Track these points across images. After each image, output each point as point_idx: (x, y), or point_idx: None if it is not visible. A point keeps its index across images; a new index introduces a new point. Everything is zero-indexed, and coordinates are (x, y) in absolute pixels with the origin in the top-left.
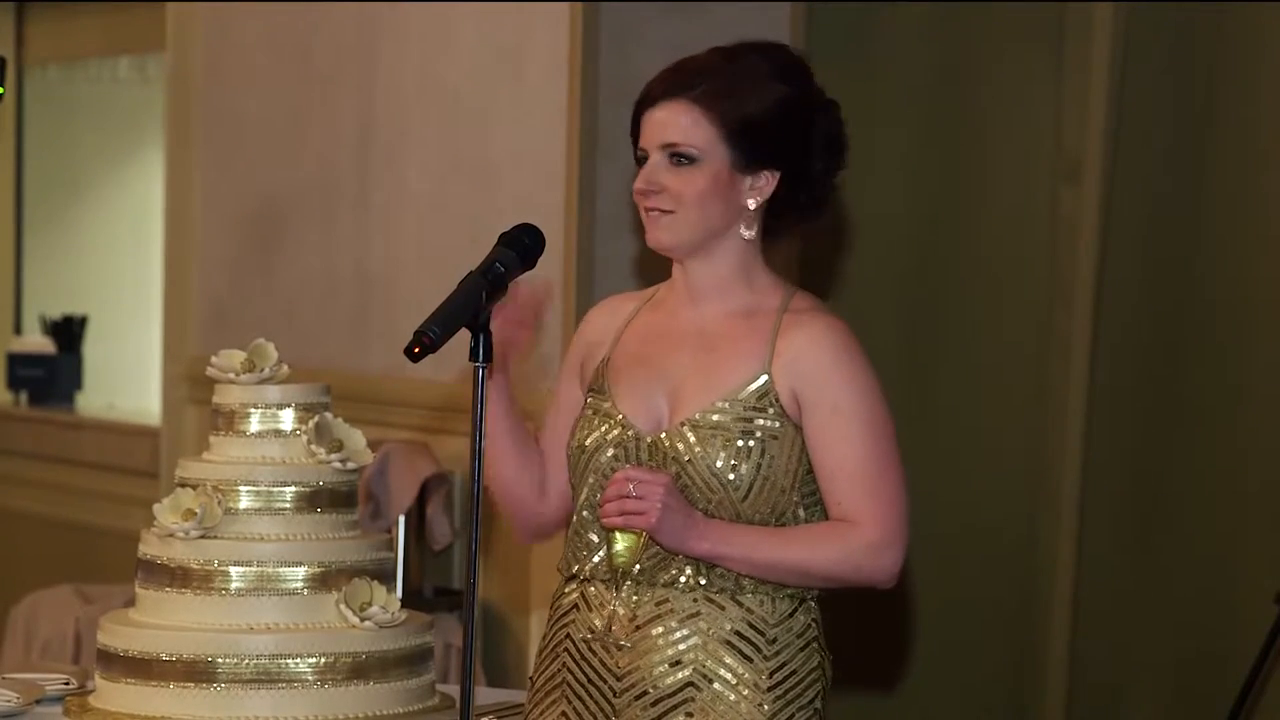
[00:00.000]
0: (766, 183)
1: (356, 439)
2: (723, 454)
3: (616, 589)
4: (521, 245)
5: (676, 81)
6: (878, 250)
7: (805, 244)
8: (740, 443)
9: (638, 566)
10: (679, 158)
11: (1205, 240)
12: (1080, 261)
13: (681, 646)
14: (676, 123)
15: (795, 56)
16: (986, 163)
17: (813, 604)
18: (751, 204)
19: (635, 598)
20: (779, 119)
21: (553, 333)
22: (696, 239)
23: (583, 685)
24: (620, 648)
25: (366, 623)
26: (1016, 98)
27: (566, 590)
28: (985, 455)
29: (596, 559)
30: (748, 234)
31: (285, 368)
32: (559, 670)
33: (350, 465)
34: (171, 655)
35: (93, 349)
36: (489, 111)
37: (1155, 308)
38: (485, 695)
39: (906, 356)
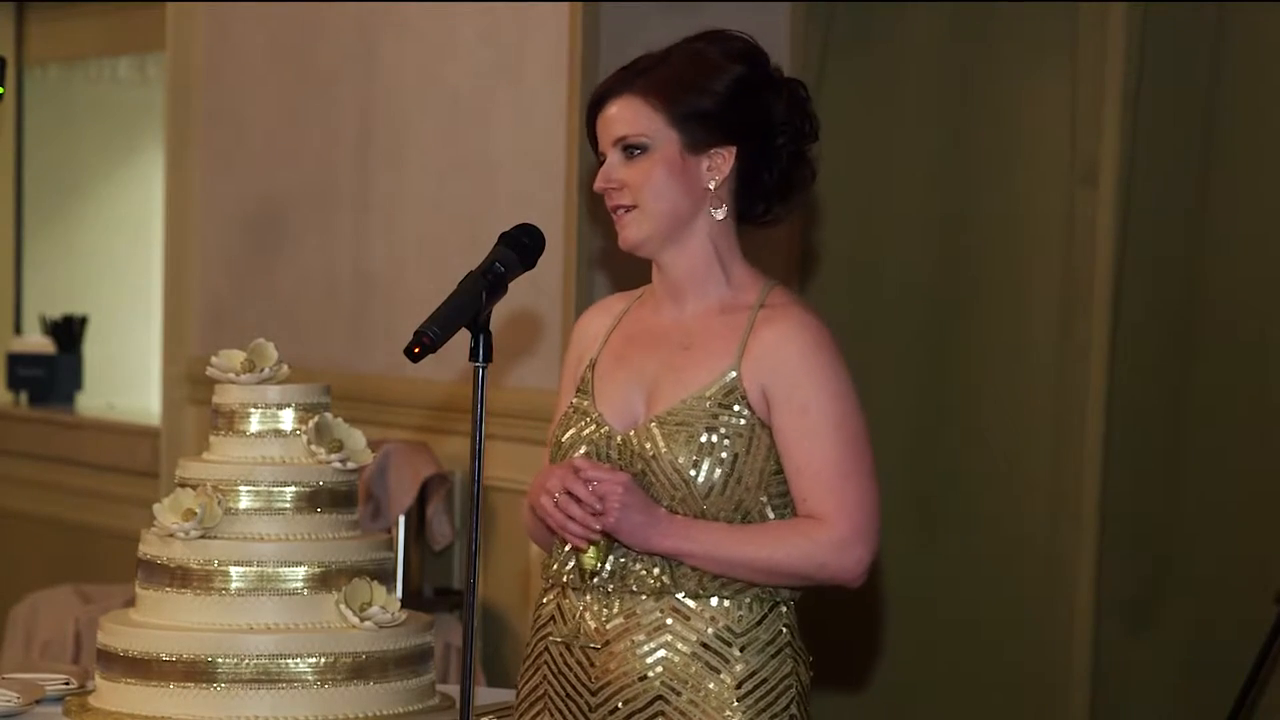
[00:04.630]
0: (723, 161)
1: (356, 439)
2: (685, 450)
3: (586, 596)
4: (521, 245)
5: (621, 79)
6: (893, 253)
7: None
8: (703, 438)
9: (608, 567)
10: (631, 149)
11: (1222, 242)
12: (1097, 263)
13: (649, 660)
14: (623, 116)
15: (746, 43)
16: (1002, 165)
17: (785, 608)
18: (711, 184)
19: (605, 610)
20: (725, 97)
21: (553, 333)
22: (663, 229)
23: (561, 699)
24: (592, 661)
25: (366, 623)
26: (1031, 100)
27: (545, 600)
28: (1004, 458)
29: (570, 565)
30: (717, 215)
31: (285, 368)
32: (540, 682)
33: (350, 465)
34: (171, 655)
35: (93, 349)
36: (489, 111)
37: (1173, 309)
38: (485, 695)
39: (924, 359)
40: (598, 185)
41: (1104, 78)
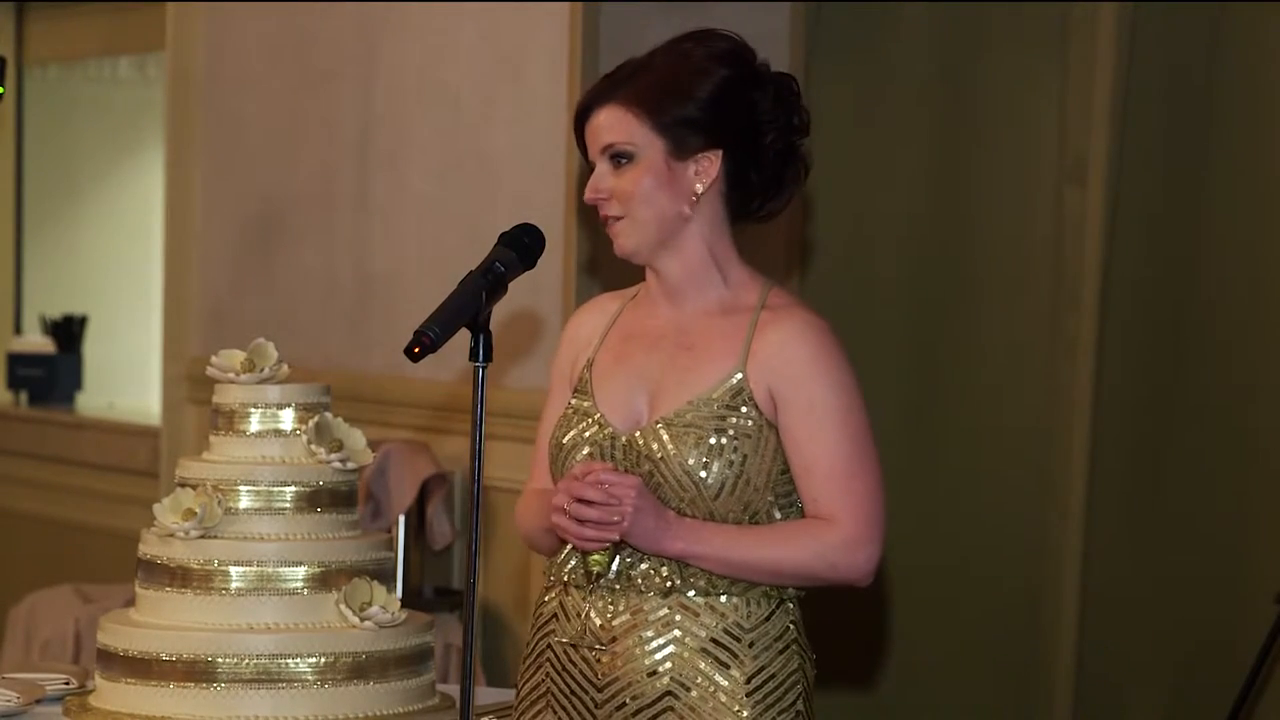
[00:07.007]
0: (710, 164)
1: (356, 439)
2: (695, 452)
3: (591, 594)
4: (521, 245)
5: (606, 87)
6: (884, 251)
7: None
8: (713, 440)
9: (614, 568)
10: (618, 157)
11: (1210, 239)
12: (1086, 261)
13: (658, 656)
14: (608, 125)
15: (732, 42)
16: (991, 163)
17: (791, 605)
18: (700, 187)
19: (611, 607)
20: (709, 102)
21: (553, 333)
22: (654, 236)
23: (565, 696)
24: (598, 659)
25: (366, 623)
26: (1021, 98)
27: (547, 599)
28: (993, 455)
29: (572, 563)
30: (685, 210)
31: (285, 368)
32: (543, 679)
33: (350, 465)
34: (171, 655)
35: (93, 349)
36: (489, 111)
37: (1161, 307)
38: (485, 695)
39: (913, 357)
40: (587, 197)
41: (1094, 77)
